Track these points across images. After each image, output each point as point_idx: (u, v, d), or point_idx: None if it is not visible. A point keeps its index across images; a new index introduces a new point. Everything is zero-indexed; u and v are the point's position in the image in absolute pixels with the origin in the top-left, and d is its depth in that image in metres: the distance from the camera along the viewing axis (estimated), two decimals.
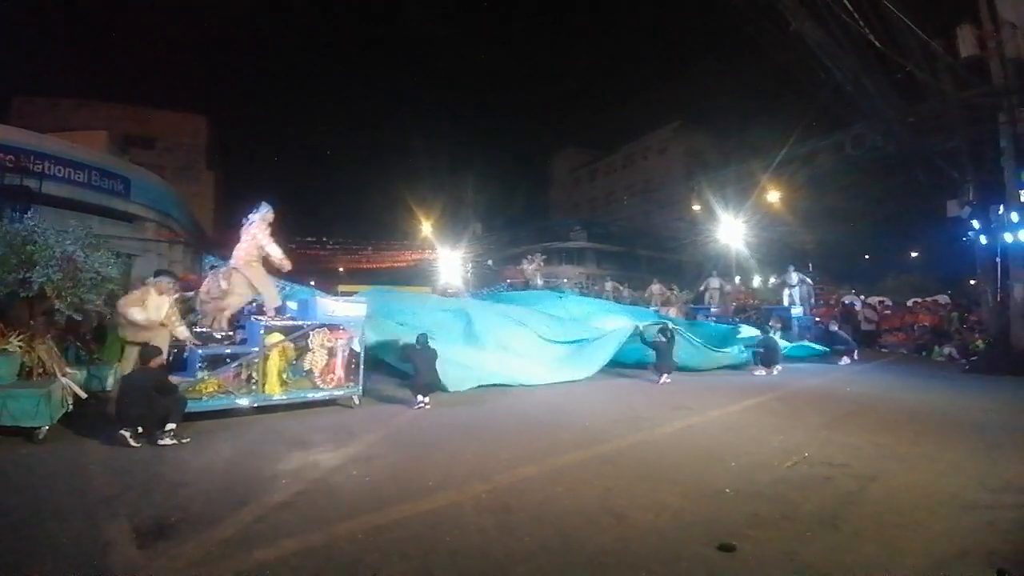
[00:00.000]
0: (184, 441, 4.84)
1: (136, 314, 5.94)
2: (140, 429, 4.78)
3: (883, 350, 15.03)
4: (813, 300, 16.79)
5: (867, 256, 33.08)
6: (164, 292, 6.11)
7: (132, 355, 5.95)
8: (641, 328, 9.67)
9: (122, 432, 4.71)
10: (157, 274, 6.41)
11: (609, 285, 20.88)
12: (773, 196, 20.54)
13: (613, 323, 11.06)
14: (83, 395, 5.52)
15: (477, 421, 6.12)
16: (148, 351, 5.38)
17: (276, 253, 6.76)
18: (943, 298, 17.41)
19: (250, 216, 6.82)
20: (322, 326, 6.53)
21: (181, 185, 27.40)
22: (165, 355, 5.92)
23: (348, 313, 6.77)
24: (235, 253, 6.79)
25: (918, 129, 12.65)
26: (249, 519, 3.29)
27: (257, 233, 6.73)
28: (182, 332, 6.12)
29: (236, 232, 6.97)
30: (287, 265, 6.90)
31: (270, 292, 6.88)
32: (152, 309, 5.97)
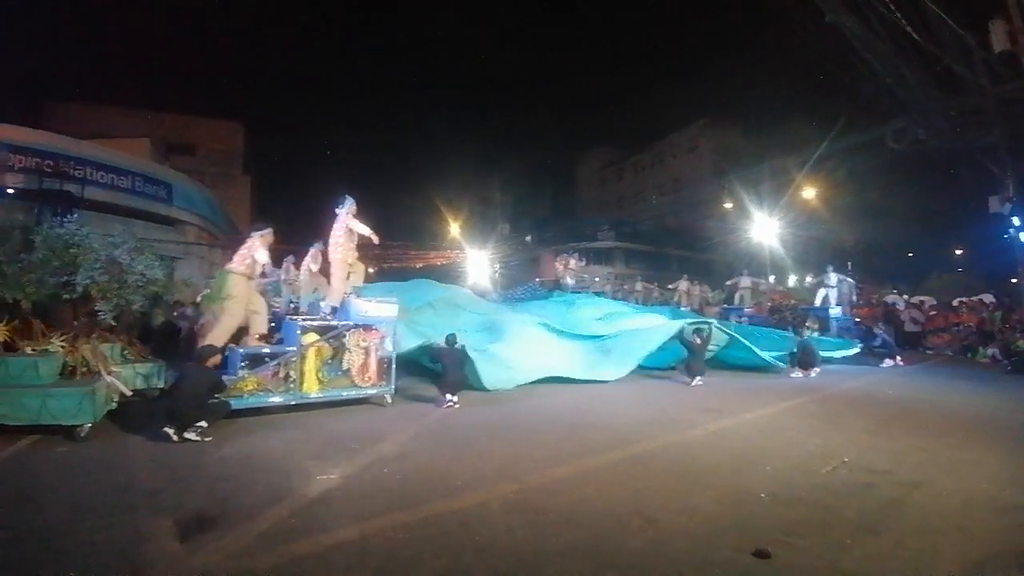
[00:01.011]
0: (207, 440, 4.89)
1: (263, 254, 6.49)
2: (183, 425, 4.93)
3: (928, 352, 14.46)
4: (856, 298, 16.19)
5: (910, 254, 31.82)
6: (269, 243, 6.69)
7: (234, 316, 6.39)
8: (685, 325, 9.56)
9: (166, 429, 4.85)
10: (257, 227, 6.87)
11: (639, 285, 20.56)
12: (809, 193, 19.99)
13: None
14: (128, 392, 5.75)
15: (506, 421, 6.14)
16: (204, 350, 5.57)
17: (365, 231, 7.43)
18: (988, 297, 16.62)
19: (337, 210, 7.36)
20: (356, 326, 6.66)
21: (218, 189, 28.30)
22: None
23: (381, 313, 6.88)
24: (330, 243, 7.34)
25: (958, 123, 12.18)
26: (285, 514, 3.38)
27: (347, 222, 7.32)
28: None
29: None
30: (376, 238, 7.59)
31: (337, 289, 7.25)
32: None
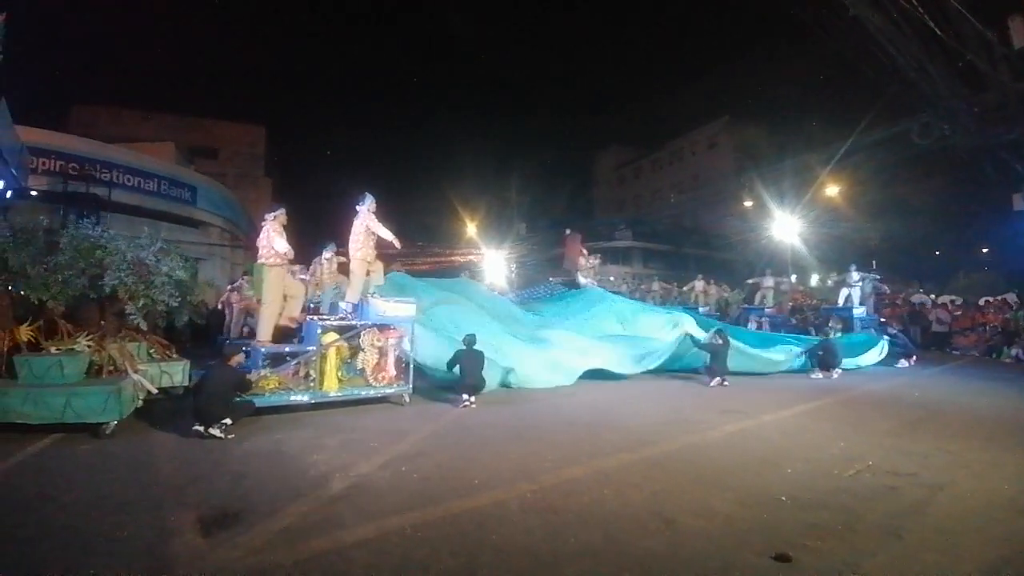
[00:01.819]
0: (230, 437, 4.99)
1: (281, 243, 6.62)
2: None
3: (955, 352, 14.10)
4: (886, 288, 15.81)
5: (937, 252, 30.97)
6: (284, 223, 6.83)
7: (272, 304, 6.63)
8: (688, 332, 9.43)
9: (197, 428, 4.95)
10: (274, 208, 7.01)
11: (656, 285, 20.31)
12: (832, 190, 19.59)
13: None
14: (154, 390, 5.89)
15: (522, 421, 6.14)
16: (229, 349, 5.69)
17: (386, 235, 7.25)
18: (1011, 297, 16.16)
19: (358, 208, 7.26)
20: (374, 326, 6.73)
21: (241, 192, 28.84)
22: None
23: (398, 313, 6.94)
24: (351, 241, 7.25)
25: (983, 119, 11.90)
26: (306, 510, 3.43)
27: (367, 221, 7.20)
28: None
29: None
30: (397, 243, 7.42)
31: (356, 286, 7.23)
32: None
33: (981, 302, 16.39)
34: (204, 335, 11.23)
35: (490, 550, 2.98)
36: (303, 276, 10.31)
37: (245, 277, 11.15)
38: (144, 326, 6.16)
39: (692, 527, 3.33)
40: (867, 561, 2.92)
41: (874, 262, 24.96)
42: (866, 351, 11.28)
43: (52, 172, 15.07)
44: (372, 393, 6.64)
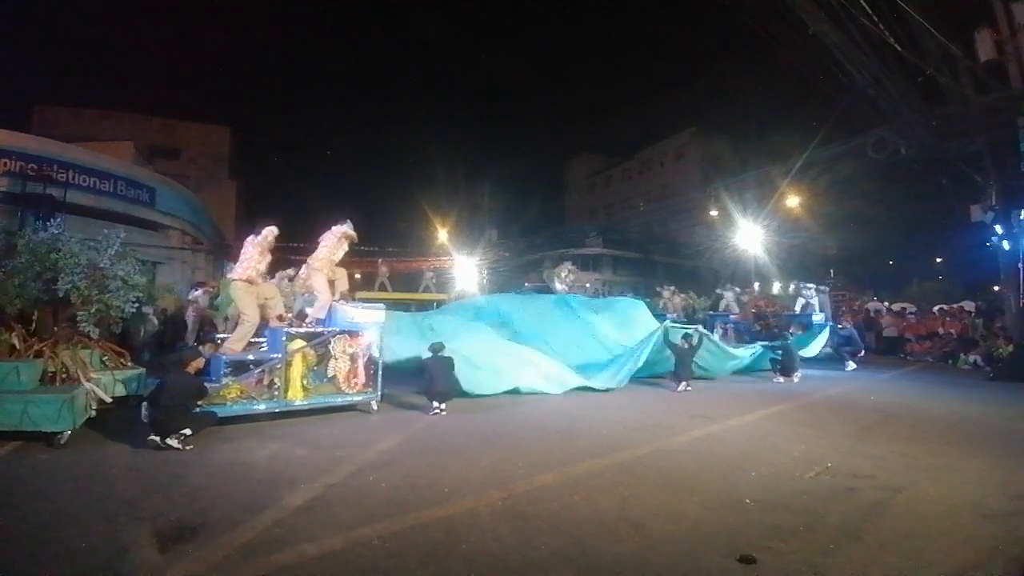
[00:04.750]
0: (188, 448, 4.80)
1: (264, 264, 6.54)
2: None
3: (908, 358, 14.68)
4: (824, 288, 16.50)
5: (891, 262, 32.38)
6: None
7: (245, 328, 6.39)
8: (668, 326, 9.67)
9: (153, 438, 4.75)
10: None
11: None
12: (793, 201, 20.25)
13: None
14: (108, 399, 5.63)
15: (493, 428, 6.11)
16: (187, 353, 5.47)
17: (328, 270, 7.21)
18: (968, 304, 16.98)
19: (334, 228, 7.25)
20: (342, 332, 6.61)
21: (204, 194, 27.95)
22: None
23: (367, 319, 6.83)
24: (318, 255, 7.12)
25: (941, 133, 12.44)
26: (268, 523, 3.33)
27: (334, 244, 7.16)
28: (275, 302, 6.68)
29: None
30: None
31: (324, 298, 7.02)
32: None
33: (935, 309, 17.15)
34: (161, 342, 10.83)
35: (460, 559, 2.95)
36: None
37: (200, 288, 10.78)
38: (95, 333, 5.88)
39: (661, 531, 3.37)
40: (828, 562, 3.00)
41: (831, 271, 25.90)
42: (814, 339, 12.06)
43: (12, 173, 14.48)
44: (340, 401, 6.51)
